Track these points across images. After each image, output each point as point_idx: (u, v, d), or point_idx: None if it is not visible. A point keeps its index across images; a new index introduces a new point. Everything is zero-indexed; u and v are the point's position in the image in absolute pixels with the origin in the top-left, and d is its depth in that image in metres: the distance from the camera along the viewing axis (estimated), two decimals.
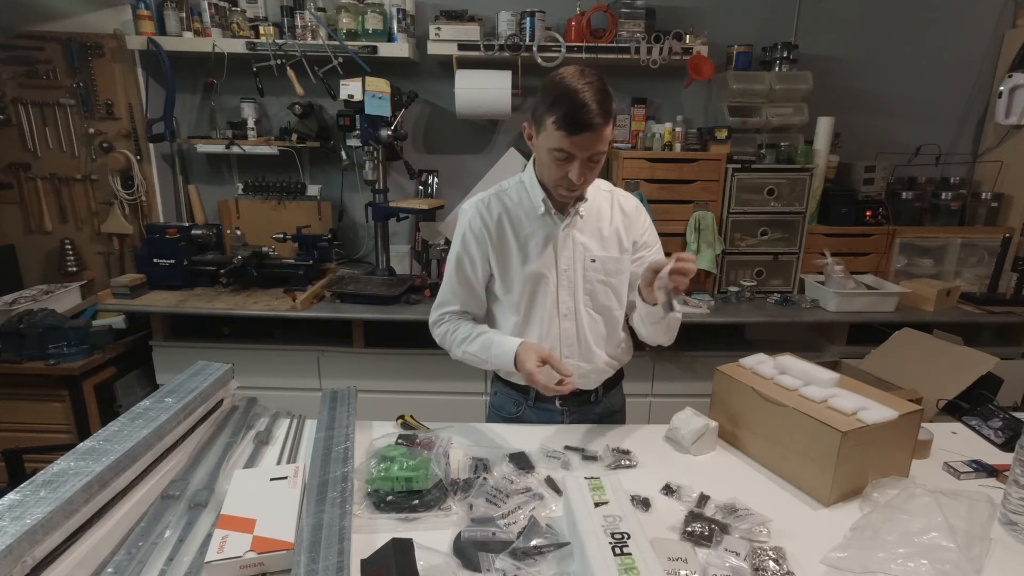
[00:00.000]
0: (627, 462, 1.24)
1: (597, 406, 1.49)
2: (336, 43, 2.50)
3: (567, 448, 1.28)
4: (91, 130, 2.68)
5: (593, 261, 1.35)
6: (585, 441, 1.32)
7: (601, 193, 1.39)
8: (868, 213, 2.65)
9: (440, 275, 2.56)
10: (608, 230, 1.36)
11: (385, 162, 2.57)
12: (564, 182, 1.23)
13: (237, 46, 2.52)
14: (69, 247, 2.78)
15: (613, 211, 1.38)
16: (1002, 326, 2.54)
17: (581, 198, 1.33)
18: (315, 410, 1.34)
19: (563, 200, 1.31)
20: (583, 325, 1.37)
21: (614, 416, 1.53)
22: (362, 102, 2.36)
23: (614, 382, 1.51)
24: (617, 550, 0.84)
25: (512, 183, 1.38)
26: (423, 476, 1.07)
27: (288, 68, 2.53)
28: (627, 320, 1.46)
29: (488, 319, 1.45)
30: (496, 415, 1.52)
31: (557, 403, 1.44)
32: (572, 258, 1.34)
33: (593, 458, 1.26)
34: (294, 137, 2.67)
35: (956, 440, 1.39)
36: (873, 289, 2.48)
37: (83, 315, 2.51)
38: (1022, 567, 0.96)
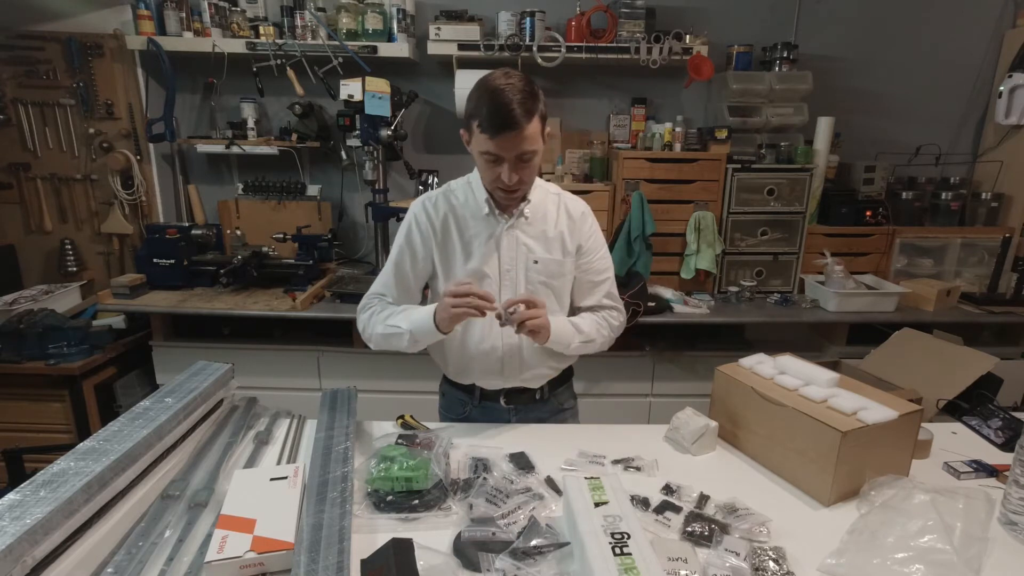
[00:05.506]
0: (634, 466, 1.24)
1: (544, 404, 1.48)
2: (336, 43, 2.50)
3: None
4: (91, 130, 2.68)
5: (536, 263, 1.35)
6: (585, 442, 1.32)
7: (549, 196, 1.39)
8: (868, 213, 2.65)
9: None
10: (553, 232, 1.36)
11: (385, 162, 2.57)
12: (498, 183, 1.24)
13: (237, 46, 2.52)
14: (69, 247, 2.78)
15: (559, 214, 1.38)
16: (1002, 326, 2.54)
17: (524, 199, 1.33)
18: (315, 410, 1.34)
19: (505, 202, 1.32)
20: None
21: (563, 414, 1.53)
22: (362, 102, 2.36)
23: (561, 380, 1.50)
24: (617, 550, 0.84)
25: (460, 183, 1.39)
26: (423, 476, 1.07)
27: (288, 68, 2.53)
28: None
29: None
30: (446, 416, 1.54)
31: (502, 401, 1.44)
32: (515, 259, 1.35)
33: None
34: (294, 137, 2.67)
35: (956, 440, 1.39)
36: (873, 289, 2.48)
37: (83, 315, 2.51)
38: (1022, 567, 0.96)
